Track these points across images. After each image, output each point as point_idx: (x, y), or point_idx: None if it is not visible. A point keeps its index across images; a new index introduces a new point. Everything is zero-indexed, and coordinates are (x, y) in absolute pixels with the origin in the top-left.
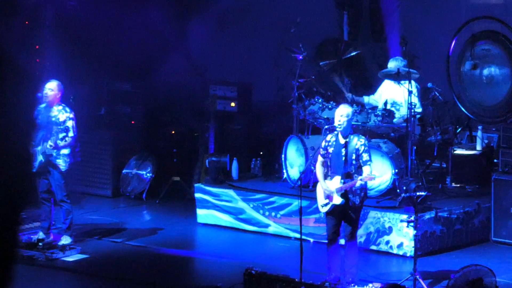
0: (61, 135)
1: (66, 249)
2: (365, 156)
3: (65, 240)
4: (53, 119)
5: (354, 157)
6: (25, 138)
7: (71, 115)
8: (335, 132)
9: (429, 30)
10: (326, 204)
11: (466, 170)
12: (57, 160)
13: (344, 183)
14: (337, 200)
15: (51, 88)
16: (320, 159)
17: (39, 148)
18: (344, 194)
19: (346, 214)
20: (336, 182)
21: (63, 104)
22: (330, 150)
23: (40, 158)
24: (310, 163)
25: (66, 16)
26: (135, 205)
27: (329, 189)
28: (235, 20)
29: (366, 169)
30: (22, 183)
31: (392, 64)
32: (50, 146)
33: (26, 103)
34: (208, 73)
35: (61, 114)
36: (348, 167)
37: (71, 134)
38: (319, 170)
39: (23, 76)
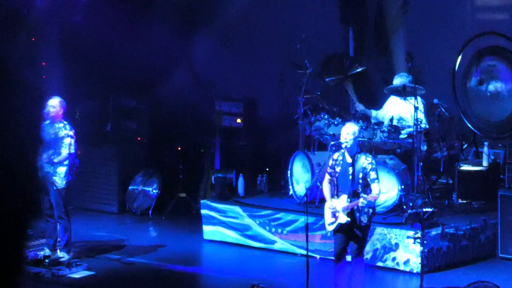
0: (51, 151)
1: (73, 266)
2: (372, 174)
3: (62, 255)
4: (53, 136)
5: (361, 175)
6: (31, 154)
7: (71, 133)
8: (342, 151)
9: (434, 45)
10: (332, 223)
11: (472, 186)
12: (53, 178)
13: (350, 201)
14: (343, 219)
15: (53, 105)
16: (327, 177)
17: (38, 164)
18: (351, 212)
19: (354, 232)
20: (342, 201)
21: (64, 122)
22: (338, 169)
23: (39, 174)
24: (316, 179)
25: (72, 33)
26: (141, 222)
27: (334, 208)
28: (240, 36)
29: (374, 187)
30: (27, 199)
31: (397, 81)
32: (44, 159)
33: (33, 120)
34: (213, 89)
35: (61, 131)
36: (355, 186)
37: (65, 150)
38: (326, 188)
39: (30, 92)
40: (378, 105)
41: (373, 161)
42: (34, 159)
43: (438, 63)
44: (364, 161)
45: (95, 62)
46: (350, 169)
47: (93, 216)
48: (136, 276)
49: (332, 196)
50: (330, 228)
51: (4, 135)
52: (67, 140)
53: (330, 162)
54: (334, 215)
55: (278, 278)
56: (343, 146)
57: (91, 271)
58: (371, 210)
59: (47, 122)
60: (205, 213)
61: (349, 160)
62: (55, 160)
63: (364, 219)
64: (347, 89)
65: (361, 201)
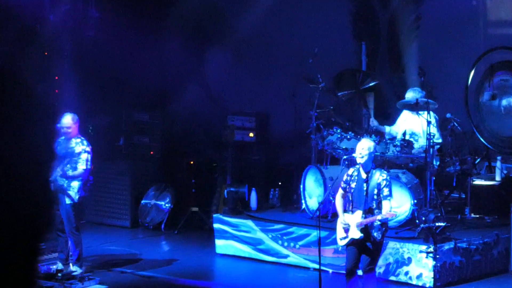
0: (68, 166)
1: (85, 280)
2: (385, 191)
3: (75, 269)
4: (70, 150)
5: (375, 192)
6: (44, 169)
7: (87, 149)
8: (357, 166)
9: (447, 60)
10: (344, 237)
11: (485, 201)
12: (67, 192)
13: (365, 218)
14: (356, 234)
15: (67, 123)
16: (340, 191)
17: (52, 178)
18: (364, 228)
19: (367, 248)
20: (357, 217)
21: (81, 137)
22: (353, 185)
23: (53, 188)
24: (328, 194)
25: (85, 48)
26: (153, 236)
27: (346, 223)
28: (253, 51)
29: (385, 204)
30: (40, 213)
31: (410, 95)
32: (58, 173)
33: (46, 134)
34: (226, 104)
35: (78, 146)
36: (369, 202)
37: (82, 166)
38: (338, 203)
39: (43, 106)
40: (390, 120)
41: (388, 178)
42: (48, 173)
43: (451, 77)
44: (379, 177)
45: (108, 76)
46: (365, 185)
47: (106, 231)
48: None
49: (347, 211)
50: (342, 242)
51: (18, 149)
52: (84, 156)
53: (345, 178)
54: (347, 230)
55: None
56: (358, 161)
57: (104, 285)
58: (384, 227)
59: (62, 138)
60: (217, 227)
61: (364, 176)
62: (70, 174)
63: (378, 235)
64: (366, 103)
65: (378, 218)
